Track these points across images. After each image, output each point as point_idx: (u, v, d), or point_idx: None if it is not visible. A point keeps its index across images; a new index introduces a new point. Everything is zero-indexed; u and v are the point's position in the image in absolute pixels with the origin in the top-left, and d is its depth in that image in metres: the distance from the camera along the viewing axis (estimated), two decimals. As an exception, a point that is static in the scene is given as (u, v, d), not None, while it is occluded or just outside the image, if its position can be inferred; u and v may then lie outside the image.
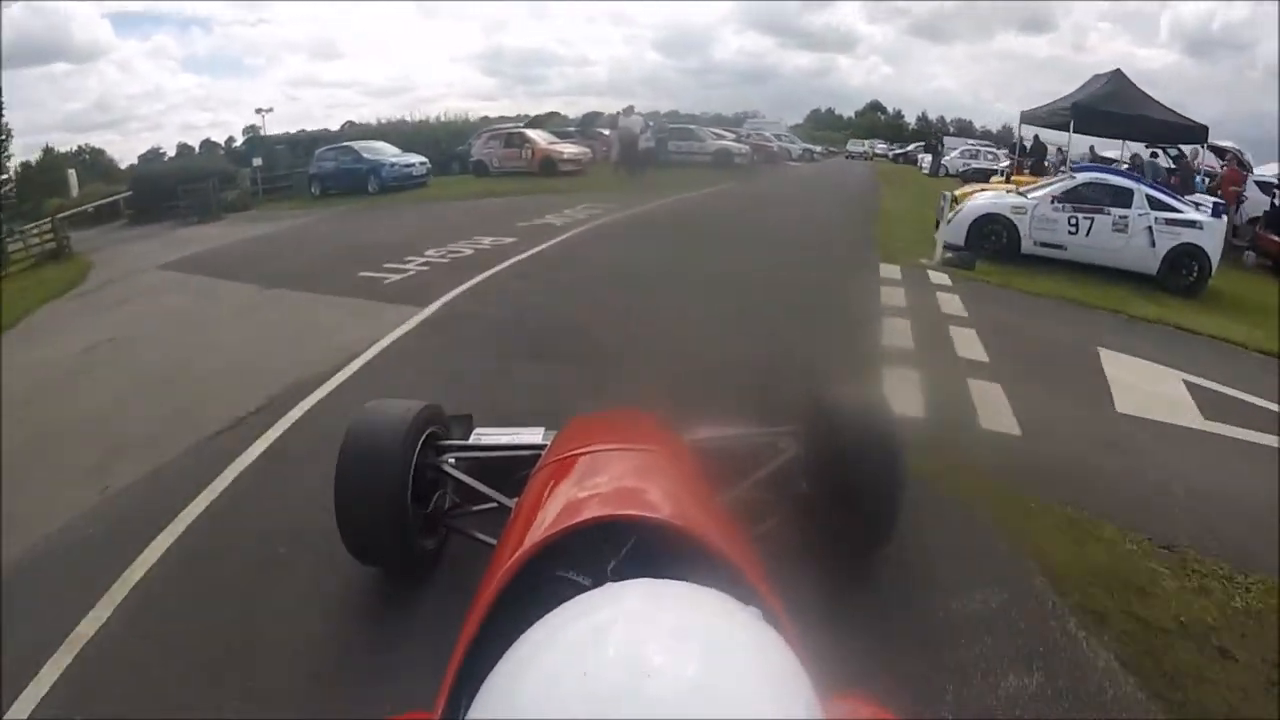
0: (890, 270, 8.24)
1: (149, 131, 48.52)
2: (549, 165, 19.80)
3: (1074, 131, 13.62)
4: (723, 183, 17.75)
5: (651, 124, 22.07)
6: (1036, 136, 17.55)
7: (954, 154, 26.10)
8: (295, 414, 4.47)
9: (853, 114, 58.05)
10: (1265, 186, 13.56)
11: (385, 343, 5.66)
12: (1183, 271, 8.88)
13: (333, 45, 76.55)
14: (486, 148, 21.40)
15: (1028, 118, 17.02)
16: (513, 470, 2.66)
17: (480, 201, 15.32)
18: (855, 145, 39.14)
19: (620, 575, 1.06)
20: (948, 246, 9.01)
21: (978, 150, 26.02)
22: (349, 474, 2.56)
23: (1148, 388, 5.26)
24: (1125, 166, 17.08)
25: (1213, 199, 9.75)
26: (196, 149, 32.14)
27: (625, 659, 0.65)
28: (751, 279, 7.39)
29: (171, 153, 30.88)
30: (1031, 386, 4.93)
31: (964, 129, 46.20)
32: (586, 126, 25.83)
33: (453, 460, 2.87)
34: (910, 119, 56.62)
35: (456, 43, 79.44)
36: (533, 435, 3.06)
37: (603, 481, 1.65)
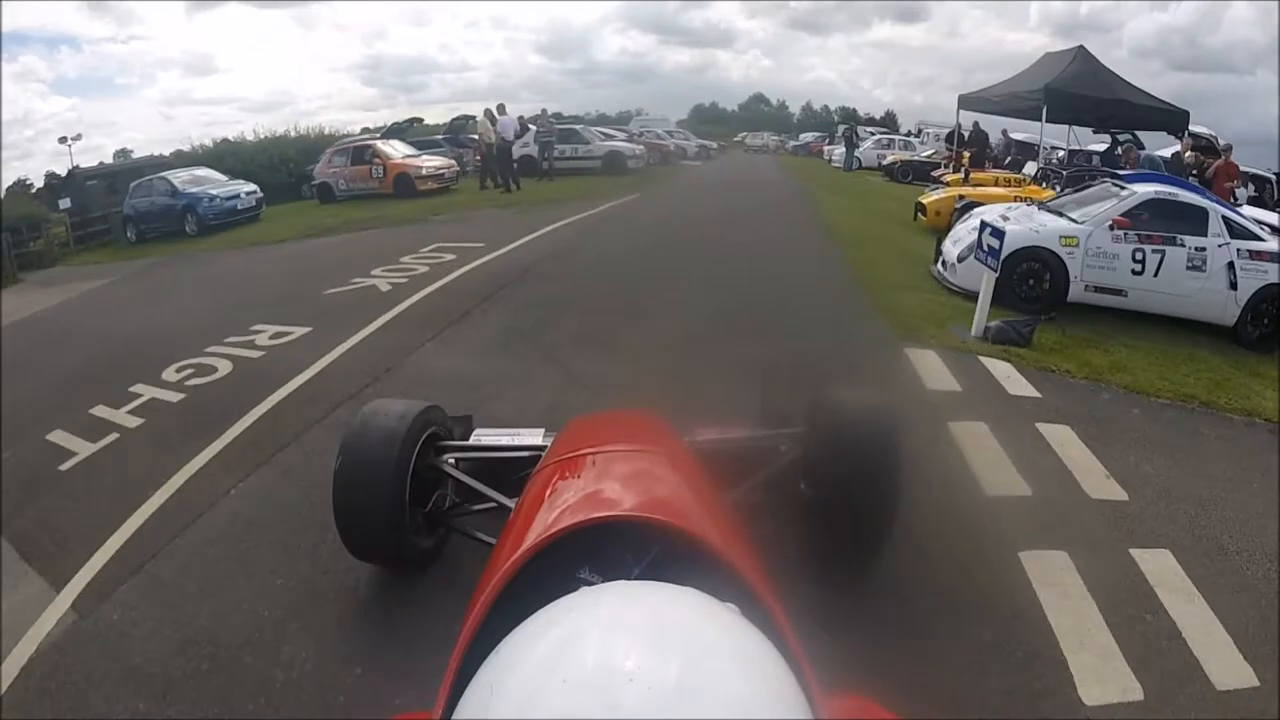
0: (927, 361, 5.19)
1: (19, 160, 40.66)
2: (405, 184, 15.90)
3: (1046, 120, 11.31)
4: (619, 193, 14.50)
5: (534, 126, 18.59)
6: (976, 124, 15.48)
7: (866, 145, 23.95)
8: None
9: (736, 107, 57.12)
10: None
11: None
12: (1263, 320, 6.53)
13: (208, 60, 69.27)
14: (331, 166, 17.26)
15: (966, 102, 14.93)
16: (513, 470, 2.65)
17: (302, 245, 11.45)
18: (754, 138, 37.05)
19: (620, 576, 1.06)
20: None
21: (891, 140, 24.07)
22: (348, 472, 2.50)
23: None
24: (1065, 154, 15.31)
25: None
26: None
27: (604, 665, 0.64)
28: (720, 406, 4.23)
29: (39, 183, 25.44)
30: None
31: (849, 117, 45.55)
32: (457, 134, 21.85)
33: (453, 460, 2.80)
34: (795, 110, 56.41)
35: (335, 53, 74.03)
36: (533, 436, 2.97)
37: (603, 482, 1.59)
